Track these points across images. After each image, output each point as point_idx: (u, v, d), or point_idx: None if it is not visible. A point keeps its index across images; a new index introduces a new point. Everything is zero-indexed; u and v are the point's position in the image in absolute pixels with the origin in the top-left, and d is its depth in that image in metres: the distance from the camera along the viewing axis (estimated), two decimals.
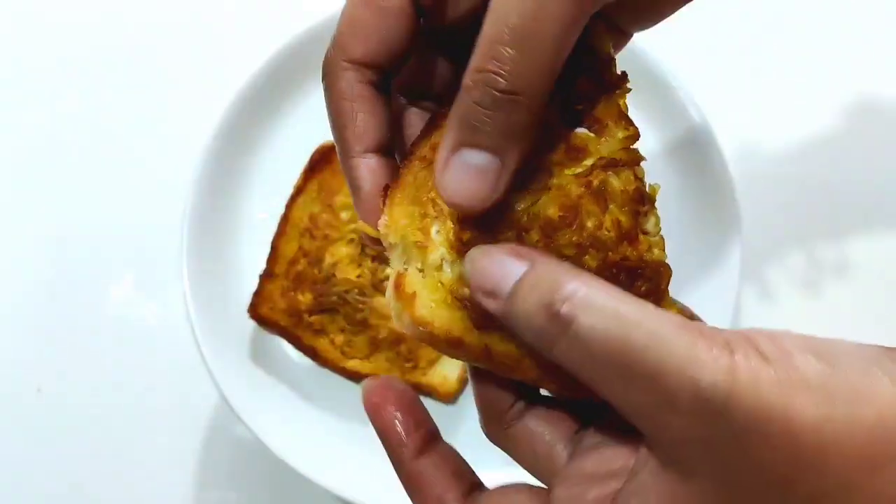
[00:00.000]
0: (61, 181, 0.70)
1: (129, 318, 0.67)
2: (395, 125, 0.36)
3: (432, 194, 0.33)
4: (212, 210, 0.62)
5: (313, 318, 0.60)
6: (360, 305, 0.61)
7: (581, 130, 0.34)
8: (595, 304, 0.27)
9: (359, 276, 0.61)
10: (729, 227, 0.61)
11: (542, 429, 0.35)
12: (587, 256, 0.32)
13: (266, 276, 0.61)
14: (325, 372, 0.61)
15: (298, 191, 0.63)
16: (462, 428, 0.62)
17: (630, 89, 0.35)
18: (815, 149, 0.70)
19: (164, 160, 0.69)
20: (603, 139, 0.33)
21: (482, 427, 0.37)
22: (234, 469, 0.65)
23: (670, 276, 0.33)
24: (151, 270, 0.68)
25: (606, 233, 0.32)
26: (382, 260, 0.61)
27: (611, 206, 0.32)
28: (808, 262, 0.67)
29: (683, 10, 0.38)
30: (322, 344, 0.61)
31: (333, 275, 0.61)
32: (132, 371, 0.66)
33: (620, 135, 0.33)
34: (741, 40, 0.73)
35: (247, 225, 0.64)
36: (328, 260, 0.61)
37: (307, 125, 0.65)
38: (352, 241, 0.62)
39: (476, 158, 0.31)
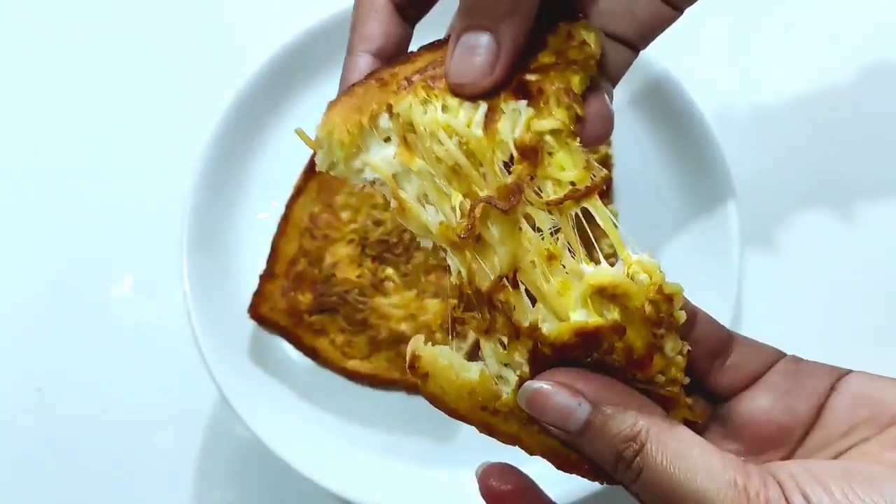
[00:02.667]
0: (61, 181, 0.70)
1: (130, 319, 0.67)
2: (402, 48, 0.40)
3: (375, 107, 0.36)
4: (212, 210, 0.62)
5: (313, 318, 0.60)
6: (360, 305, 0.61)
7: (523, 103, 0.36)
8: (659, 458, 0.31)
9: (359, 276, 0.61)
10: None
11: None
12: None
13: (266, 276, 0.61)
14: (325, 372, 0.61)
15: (298, 191, 0.63)
16: (462, 428, 0.62)
17: (594, 72, 0.37)
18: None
19: (165, 160, 0.69)
20: (540, 113, 0.35)
21: None
22: (235, 469, 0.65)
23: (683, 401, 0.36)
24: (152, 271, 0.68)
25: (617, 359, 0.34)
26: (383, 260, 0.61)
27: (628, 332, 0.34)
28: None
29: None
30: (322, 344, 0.61)
31: (333, 275, 0.61)
32: (132, 371, 0.66)
33: (560, 114, 0.35)
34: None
35: (247, 225, 0.64)
36: (328, 260, 0.61)
37: (307, 125, 0.64)
38: (352, 241, 0.62)
39: (473, 39, 0.35)
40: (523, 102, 0.35)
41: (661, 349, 0.34)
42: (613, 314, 0.33)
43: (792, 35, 0.73)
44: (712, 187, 0.62)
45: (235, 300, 0.61)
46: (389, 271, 0.61)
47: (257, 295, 0.60)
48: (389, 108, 0.35)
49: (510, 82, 0.36)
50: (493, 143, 0.35)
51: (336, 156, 0.36)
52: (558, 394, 0.33)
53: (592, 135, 0.37)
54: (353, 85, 0.37)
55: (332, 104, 0.37)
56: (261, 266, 0.61)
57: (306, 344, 0.61)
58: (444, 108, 0.35)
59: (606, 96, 0.38)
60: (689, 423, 0.35)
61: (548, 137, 0.35)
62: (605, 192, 0.62)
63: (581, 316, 0.33)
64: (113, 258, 0.68)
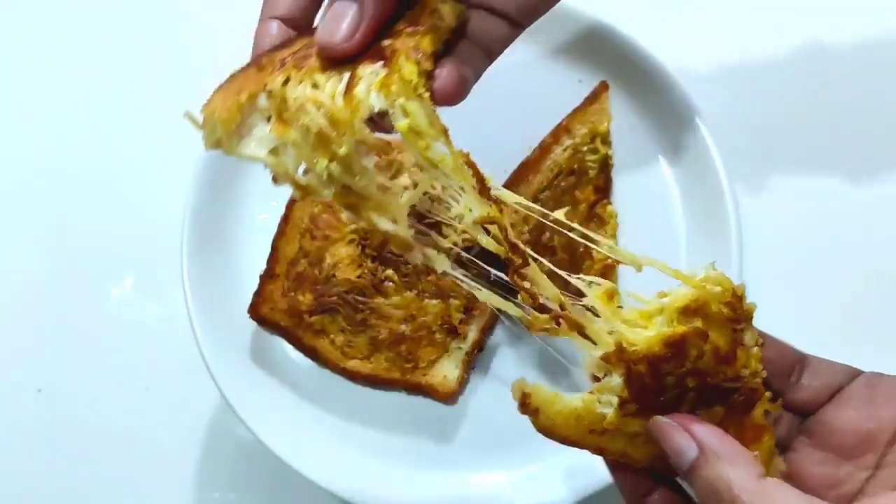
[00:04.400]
0: (62, 182, 0.70)
1: (130, 319, 0.67)
2: (311, 16, 0.43)
3: (253, 88, 0.39)
4: (212, 210, 0.62)
5: (314, 319, 0.61)
6: (361, 306, 0.61)
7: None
8: None
9: (359, 277, 0.61)
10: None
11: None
12: (688, 380, 0.38)
13: (266, 277, 0.61)
14: (325, 372, 0.61)
15: None
16: (462, 428, 0.62)
17: (445, 35, 0.40)
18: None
19: (165, 161, 0.69)
20: (392, 71, 0.37)
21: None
22: (235, 469, 0.65)
23: (763, 392, 0.39)
24: (152, 271, 0.68)
25: (706, 361, 0.38)
26: (383, 261, 0.61)
27: (711, 334, 0.38)
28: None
29: None
30: (322, 344, 0.61)
31: (334, 275, 0.61)
32: (132, 371, 0.66)
33: (410, 67, 0.37)
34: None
35: (247, 225, 0.64)
36: (328, 260, 0.61)
37: None
38: (352, 241, 0.62)
39: (340, 7, 0.39)
40: (379, 64, 0.38)
41: (741, 342, 0.38)
42: (695, 323, 0.38)
43: (792, 33, 0.73)
44: (711, 187, 0.63)
45: (235, 300, 0.61)
46: (389, 272, 0.61)
47: (257, 295, 0.60)
48: (266, 88, 0.39)
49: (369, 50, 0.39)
50: (350, 106, 0.37)
51: (218, 133, 0.40)
52: (680, 434, 0.37)
53: (441, 93, 0.39)
54: (235, 72, 0.41)
55: (216, 89, 0.40)
56: (261, 266, 0.61)
57: (306, 344, 0.61)
58: (313, 85, 0.38)
59: (462, 63, 0.40)
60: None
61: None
62: (605, 191, 0.62)
63: (664, 328, 0.38)
64: (113, 258, 0.68)
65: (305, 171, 0.39)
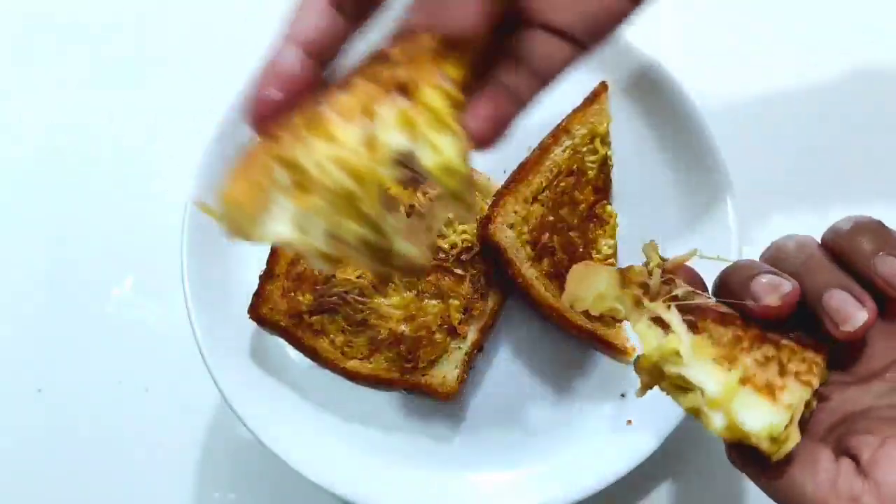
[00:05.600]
0: (61, 182, 0.70)
1: (130, 319, 0.67)
2: (336, 45, 0.38)
3: (268, 163, 0.35)
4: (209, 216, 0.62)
5: (313, 319, 0.61)
6: (360, 306, 0.61)
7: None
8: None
9: (359, 277, 0.61)
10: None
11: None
12: None
13: (266, 277, 0.61)
14: (325, 372, 0.61)
15: None
16: (462, 428, 0.62)
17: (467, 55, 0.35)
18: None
19: (165, 160, 0.69)
20: (415, 103, 0.34)
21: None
22: (235, 469, 0.65)
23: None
24: (152, 271, 0.68)
25: None
26: None
27: None
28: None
29: None
30: (322, 344, 0.61)
31: (334, 275, 0.61)
32: (132, 371, 0.66)
33: (435, 98, 0.34)
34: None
35: None
36: None
37: None
38: None
39: None
40: (399, 98, 0.34)
41: None
42: None
43: (794, 33, 0.73)
44: (711, 187, 0.63)
45: (235, 300, 0.61)
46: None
47: (257, 295, 0.60)
48: (281, 159, 0.34)
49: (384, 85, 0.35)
50: (374, 152, 0.33)
51: (238, 221, 0.35)
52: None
53: (476, 134, 0.35)
54: (248, 150, 0.36)
55: (230, 172, 0.36)
56: (261, 266, 0.61)
57: (306, 344, 0.61)
58: (329, 139, 0.34)
59: (503, 94, 0.36)
60: None
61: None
62: (605, 192, 0.62)
63: None
64: (113, 259, 0.68)
65: (332, 240, 0.35)
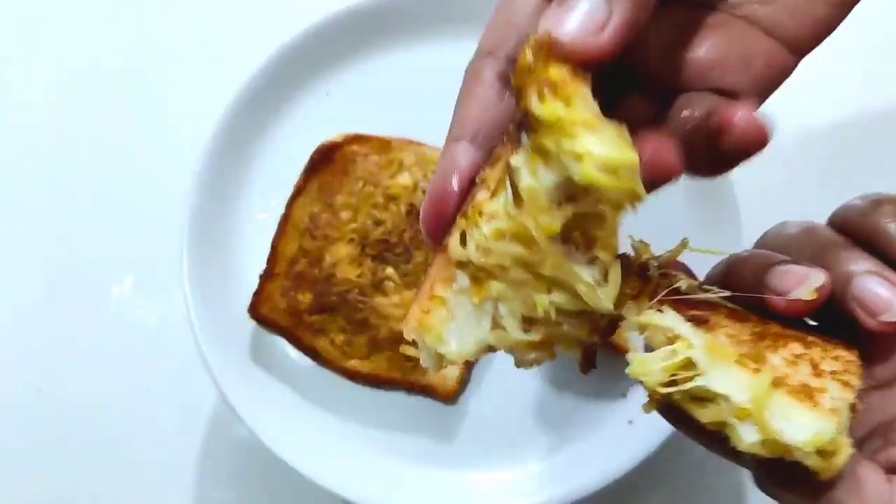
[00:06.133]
0: (61, 181, 0.70)
1: (130, 318, 0.67)
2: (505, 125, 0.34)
3: (445, 275, 0.32)
4: (212, 210, 0.62)
5: (313, 318, 0.60)
6: (360, 305, 0.61)
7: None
8: None
9: (359, 276, 0.61)
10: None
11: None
12: None
13: (266, 276, 0.61)
14: (325, 372, 0.61)
15: (298, 191, 0.63)
16: (462, 428, 0.62)
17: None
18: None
19: (165, 160, 0.69)
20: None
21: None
22: (234, 469, 0.65)
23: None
24: (152, 270, 0.68)
25: None
26: (383, 260, 0.61)
27: None
28: None
29: None
30: (322, 344, 0.61)
31: (333, 275, 0.61)
32: (132, 371, 0.66)
33: (570, 98, 0.28)
34: None
35: (247, 225, 0.64)
36: (328, 260, 0.61)
37: (307, 125, 0.65)
38: (352, 240, 0.62)
39: (584, 5, 0.29)
40: (523, 138, 0.30)
41: None
42: None
43: None
44: (713, 188, 0.62)
45: (235, 300, 0.61)
46: (389, 271, 0.61)
47: (257, 295, 0.60)
48: (451, 262, 0.32)
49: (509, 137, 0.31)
50: (531, 205, 0.29)
51: (434, 349, 0.32)
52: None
53: (655, 165, 0.32)
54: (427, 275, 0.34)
55: (413, 302, 0.34)
56: (261, 266, 0.61)
57: (306, 344, 0.61)
58: (483, 216, 0.31)
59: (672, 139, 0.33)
60: None
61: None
62: None
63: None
64: (113, 258, 0.68)
65: (531, 325, 0.32)
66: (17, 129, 0.72)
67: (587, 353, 0.35)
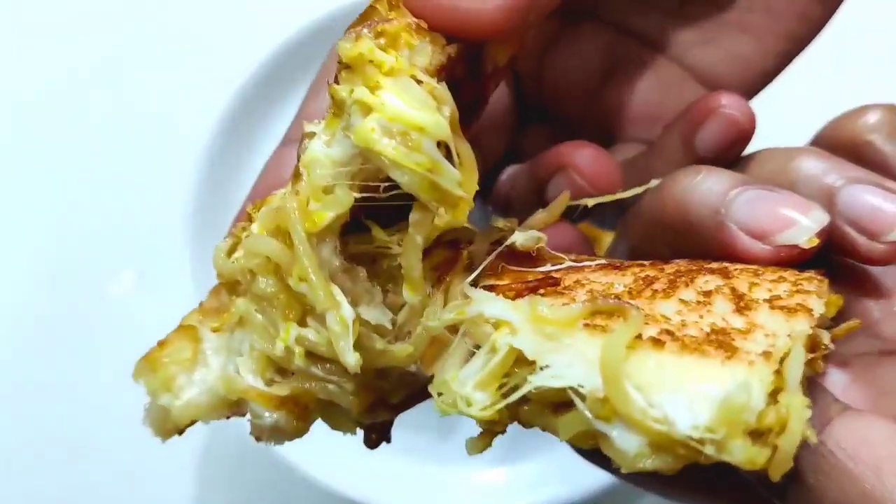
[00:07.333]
0: (63, 181, 0.70)
1: (131, 317, 0.67)
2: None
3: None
4: (213, 208, 0.62)
5: None
6: None
7: None
8: None
9: None
10: None
11: None
12: None
13: None
14: None
15: None
16: (462, 427, 0.62)
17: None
18: None
19: (166, 159, 0.69)
20: None
21: None
22: (234, 469, 0.65)
23: None
24: (153, 269, 0.68)
25: None
26: None
27: None
28: None
29: None
30: None
31: None
32: (132, 371, 0.66)
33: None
34: None
35: None
36: None
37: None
38: None
39: None
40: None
41: None
42: None
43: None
44: None
45: None
46: None
47: None
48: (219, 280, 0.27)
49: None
50: (307, 184, 0.23)
51: (157, 400, 0.26)
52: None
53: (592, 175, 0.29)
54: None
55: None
56: None
57: None
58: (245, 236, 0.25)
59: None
60: None
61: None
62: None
63: None
64: (114, 257, 0.68)
65: (280, 374, 0.26)
66: (17, 128, 0.72)
67: (373, 425, 0.25)
